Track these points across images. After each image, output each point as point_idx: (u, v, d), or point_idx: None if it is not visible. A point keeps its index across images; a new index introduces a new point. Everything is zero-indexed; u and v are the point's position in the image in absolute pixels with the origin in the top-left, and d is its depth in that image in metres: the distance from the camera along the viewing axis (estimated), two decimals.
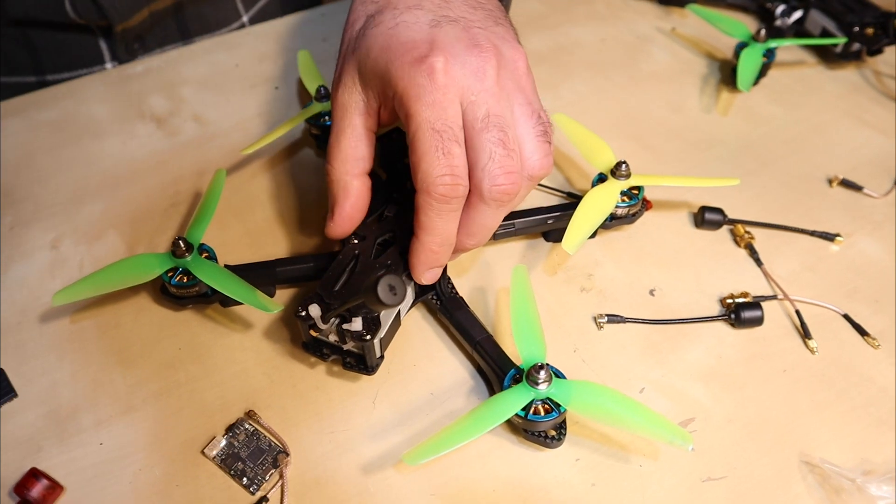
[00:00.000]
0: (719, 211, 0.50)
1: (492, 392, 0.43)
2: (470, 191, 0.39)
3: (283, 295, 0.48)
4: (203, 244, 0.46)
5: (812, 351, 0.45)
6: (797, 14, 0.66)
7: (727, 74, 0.63)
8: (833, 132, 0.59)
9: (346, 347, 0.41)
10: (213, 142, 0.58)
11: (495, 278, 0.49)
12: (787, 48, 0.67)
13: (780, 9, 0.67)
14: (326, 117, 0.54)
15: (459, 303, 0.44)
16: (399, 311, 0.42)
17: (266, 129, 0.59)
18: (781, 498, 0.39)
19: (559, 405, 0.39)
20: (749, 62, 0.59)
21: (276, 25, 0.69)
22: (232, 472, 0.40)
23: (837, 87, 0.63)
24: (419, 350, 0.45)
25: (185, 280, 0.44)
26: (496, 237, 0.48)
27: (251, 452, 0.40)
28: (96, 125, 0.59)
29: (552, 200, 0.53)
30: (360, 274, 0.42)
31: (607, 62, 0.66)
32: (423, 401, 0.42)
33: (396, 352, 0.44)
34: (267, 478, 0.39)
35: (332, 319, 0.39)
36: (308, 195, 0.54)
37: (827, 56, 0.66)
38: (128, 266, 0.45)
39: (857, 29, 0.62)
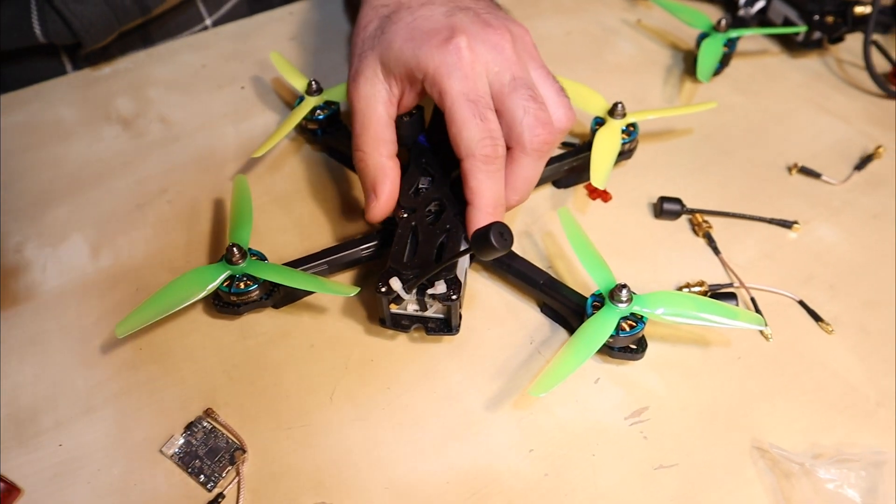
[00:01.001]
0: (677, 201, 0.51)
1: (567, 326, 0.46)
2: (510, 148, 0.44)
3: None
4: (250, 248, 0.46)
5: (766, 338, 0.45)
6: (760, 3, 0.66)
7: (690, 65, 0.64)
8: (794, 120, 0.59)
9: (427, 314, 0.43)
10: (178, 142, 0.58)
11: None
12: (752, 37, 0.67)
13: None
14: (319, 111, 0.54)
15: (512, 254, 0.46)
16: (466, 271, 0.45)
17: (233, 128, 0.59)
18: (732, 483, 0.39)
19: (641, 318, 0.42)
20: (709, 52, 0.59)
21: (243, 25, 0.69)
22: (189, 469, 0.40)
23: (800, 76, 0.63)
24: (377, 346, 0.45)
25: (242, 286, 0.44)
26: None
27: (209, 450, 0.41)
28: (62, 128, 0.59)
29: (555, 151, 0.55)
30: (425, 243, 0.43)
31: (573, 55, 0.66)
32: (381, 395, 0.43)
33: (354, 348, 0.45)
34: (224, 475, 0.40)
35: (415, 288, 0.41)
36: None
37: (790, 45, 0.66)
38: (186, 283, 0.44)
39: (817, 17, 0.62)
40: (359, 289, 0.43)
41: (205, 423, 0.42)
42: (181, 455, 0.41)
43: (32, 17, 0.58)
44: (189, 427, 0.42)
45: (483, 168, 0.42)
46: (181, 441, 0.41)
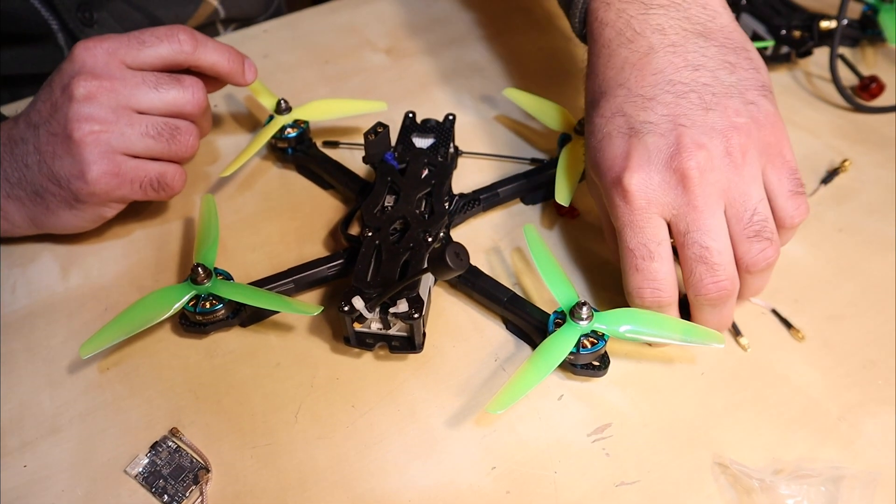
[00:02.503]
0: None
1: (531, 343, 0.46)
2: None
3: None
4: (216, 267, 0.46)
5: (744, 348, 0.46)
6: None
7: None
8: None
9: (391, 332, 0.43)
10: None
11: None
12: None
13: None
14: (289, 129, 0.55)
15: (477, 271, 0.47)
16: (429, 289, 0.45)
17: (203, 146, 0.59)
18: (693, 500, 0.40)
19: (602, 336, 0.42)
20: None
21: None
22: (153, 489, 0.40)
23: None
24: (343, 365, 0.45)
25: (208, 306, 0.44)
26: (485, 208, 0.53)
27: (173, 470, 0.41)
28: None
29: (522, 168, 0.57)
30: (388, 261, 0.44)
31: (544, 70, 0.66)
32: (345, 413, 0.43)
33: (320, 366, 0.45)
34: (188, 494, 0.40)
35: (378, 307, 0.41)
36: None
37: None
38: (151, 303, 0.44)
39: (784, 32, 0.62)
40: (322, 308, 0.43)
41: (169, 443, 0.42)
42: (145, 475, 0.41)
43: (63, 52, 0.61)
44: (154, 447, 0.42)
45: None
46: (145, 461, 0.41)
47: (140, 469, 0.41)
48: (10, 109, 0.58)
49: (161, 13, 0.65)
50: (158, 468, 0.41)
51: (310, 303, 0.48)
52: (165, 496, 0.40)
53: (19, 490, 0.40)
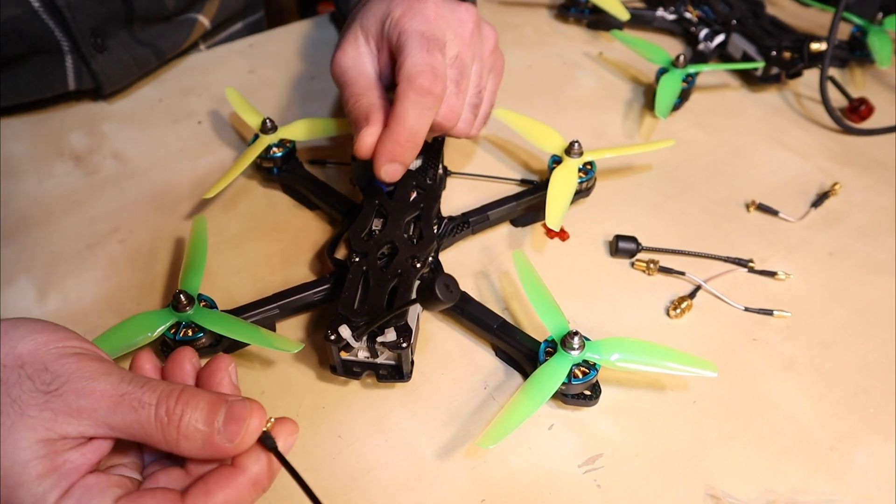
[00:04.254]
0: (633, 239, 0.51)
1: (521, 371, 0.45)
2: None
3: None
4: (200, 293, 0.45)
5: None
6: (719, 38, 0.67)
7: (651, 99, 0.64)
8: (753, 155, 0.60)
9: (378, 361, 0.42)
10: (132, 179, 0.57)
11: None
12: (712, 71, 0.67)
13: (703, 33, 0.68)
14: (275, 149, 0.54)
15: (467, 297, 0.46)
16: (418, 316, 0.44)
17: (188, 164, 0.58)
18: None
19: (594, 366, 0.41)
20: (667, 89, 0.60)
21: (200, 58, 0.69)
22: None
23: (759, 110, 0.64)
24: (329, 393, 0.44)
25: (189, 334, 0.43)
26: (474, 231, 0.52)
27: None
28: (12, 164, 0.58)
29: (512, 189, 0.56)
30: (376, 288, 0.42)
31: (533, 88, 0.66)
32: (332, 443, 0.42)
33: (305, 395, 0.44)
34: None
35: (365, 336, 0.40)
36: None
37: (749, 79, 0.66)
38: (128, 329, 0.43)
39: (774, 53, 0.62)
40: (302, 345, 0.42)
41: None
42: None
43: (67, 72, 0.60)
44: None
45: (412, 98, 0.42)
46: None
47: None
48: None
49: (162, 43, 0.64)
50: None
51: (294, 330, 0.47)
52: None
53: None
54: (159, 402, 0.31)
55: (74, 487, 0.30)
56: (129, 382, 0.32)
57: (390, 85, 0.46)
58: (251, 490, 0.32)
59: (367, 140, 0.44)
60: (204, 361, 0.45)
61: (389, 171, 0.44)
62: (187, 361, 0.37)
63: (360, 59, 0.47)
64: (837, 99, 0.63)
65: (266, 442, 0.32)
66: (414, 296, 0.42)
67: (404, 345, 0.40)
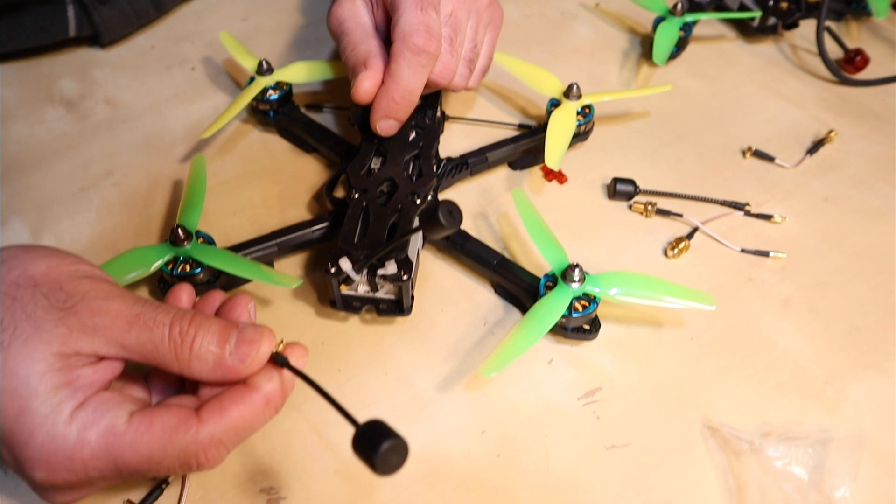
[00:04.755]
0: (631, 182, 0.51)
1: (521, 307, 0.45)
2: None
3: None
4: (198, 230, 0.44)
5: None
6: None
7: (648, 49, 0.64)
8: (749, 104, 0.60)
9: (378, 295, 0.42)
10: (125, 125, 0.57)
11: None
12: (708, 22, 0.67)
13: None
14: (271, 91, 0.53)
15: (466, 235, 0.46)
16: (418, 251, 0.44)
17: (182, 110, 0.58)
18: (683, 462, 0.39)
19: (593, 299, 0.41)
20: (665, 36, 0.59)
21: (193, 6, 0.67)
22: None
23: (755, 61, 0.64)
24: (328, 329, 0.44)
25: (187, 269, 0.43)
26: (473, 172, 0.51)
27: None
28: (2, 110, 0.57)
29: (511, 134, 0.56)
30: (376, 223, 0.42)
31: (531, 38, 0.65)
32: (332, 378, 0.42)
33: (305, 330, 0.44)
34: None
35: (365, 269, 0.40)
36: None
37: (745, 30, 0.66)
38: (124, 262, 0.42)
39: (771, 3, 0.62)
40: (301, 281, 0.42)
41: None
42: None
43: (69, 21, 0.59)
44: None
45: (407, 56, 0.43)
46: None
47: None
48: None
49: None
50: None
51: (294, 269, 0.47)
52: None
53: None
54: (173, 323, 0.31)
55: (89, 401, 0.30)
56: (143, 304, 0.32)
57: (386, 41, 0.46)
58: (264, 408, 0.32)
59: (365, 84, 0.44)
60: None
61: (384, 127, 0.45)
62: (184, 296, 0.37)
63: (356, 10, 0.47)
64: (833, 50, 0.63)
65: (277, 359, 0.32)
66: (416, 224, 0.42)
67: (405, 277, 0.40)
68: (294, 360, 0.33)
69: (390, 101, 0.44)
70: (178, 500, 0.37)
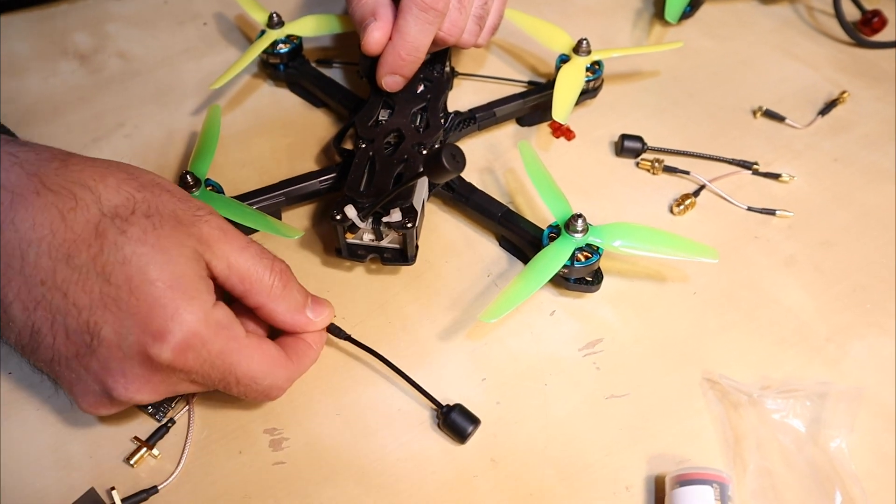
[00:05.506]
0: (639, 139, 0.51)
1: (525, 259, 0.45)
2: None
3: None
4: (208, 178, 0.45)
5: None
6: None
7: (660, 9, 0.63)
8: (761, 65, 0.59)
9: (383, 244, 0.42)
10: (137, 78, 0.57)
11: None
12: None
13: None
14: (281, 45, 0.53)
15: (471, 187, 0.46)
16: (423, 200, 0.44)
17: (193, 64, 0.58)
18: (682, 412, 0.40)
19: (596, 250, 0.41)
20: None
21: None
22: None
23: (769, 22, 0.63)
24: (333, 277, 0.45)
25: None
26: (480, 127, 0.51)
27: None
28: (16, 62, 0.58)
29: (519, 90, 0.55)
30: (382, 173, 0.43)
31: None
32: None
33: (310, 279, 0.44)
34: (173, 405, 0.39)
35: (370, 216, 0.41)
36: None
37: None
38: None
39: None
40: (302, 232, 0.43)
41: None
42: None
43: None
44: None
45: (415, 12, 0.43)
46: None
47: None
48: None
49: None
50: None
51: (301, 220, 0.48)
52: (150, 408, 0.39)
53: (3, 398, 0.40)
54: (274, 261, 0.35)
55: (219, 304, 0.33)
56: (251, 240, 0.35)
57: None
58: (307, 348, 0.37)
59: (375, 34, 0.44)
60: None
61: (390, 83, 0.46)
62: None
63: None
64: (850, 12, 0.62)
65: (334, 330, 0.40)
66: (421, 169, 0.42)
67: (409, 225, 0.40)
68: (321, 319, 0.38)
69: (396, 57, 0.44)
70: (185, 439, 0.38)
